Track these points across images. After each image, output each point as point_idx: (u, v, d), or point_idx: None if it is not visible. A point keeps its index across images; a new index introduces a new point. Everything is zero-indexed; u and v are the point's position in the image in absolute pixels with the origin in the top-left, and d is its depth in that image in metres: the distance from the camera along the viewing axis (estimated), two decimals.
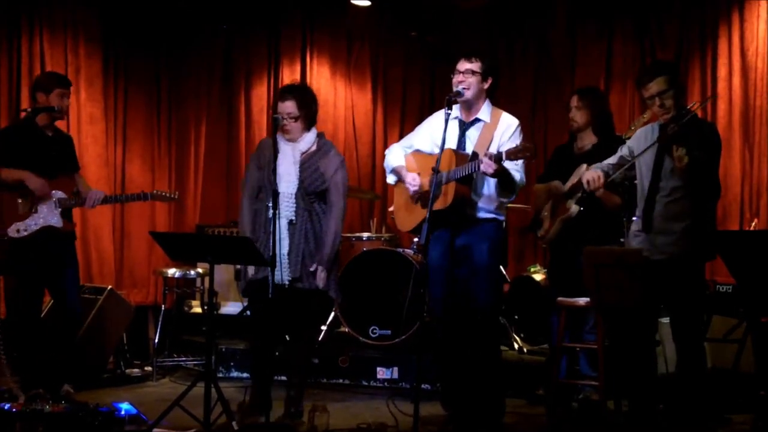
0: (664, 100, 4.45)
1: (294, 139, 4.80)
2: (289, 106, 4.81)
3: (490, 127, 4.66)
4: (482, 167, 4.36)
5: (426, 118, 5.08)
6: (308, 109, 4.86)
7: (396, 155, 4.93)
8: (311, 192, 4.81)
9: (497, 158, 4.33)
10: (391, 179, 5.01)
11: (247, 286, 4.91)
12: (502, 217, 4.79)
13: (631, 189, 4.81)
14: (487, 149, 4.54)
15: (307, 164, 4.83)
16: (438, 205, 4.56)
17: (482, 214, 4.67)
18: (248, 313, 5.38)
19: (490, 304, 4.69)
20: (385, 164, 5.01)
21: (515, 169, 4.52)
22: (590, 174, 4.65)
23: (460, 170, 4.51)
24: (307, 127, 4.87)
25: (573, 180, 5.23)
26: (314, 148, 4.90)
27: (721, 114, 6.65)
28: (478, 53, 4.68)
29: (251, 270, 4.83)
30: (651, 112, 4.94)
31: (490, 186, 4.63)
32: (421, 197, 4.70)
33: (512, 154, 4.30)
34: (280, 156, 4.74)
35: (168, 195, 5.62)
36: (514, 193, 4.65)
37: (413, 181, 4.70)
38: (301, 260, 4.75)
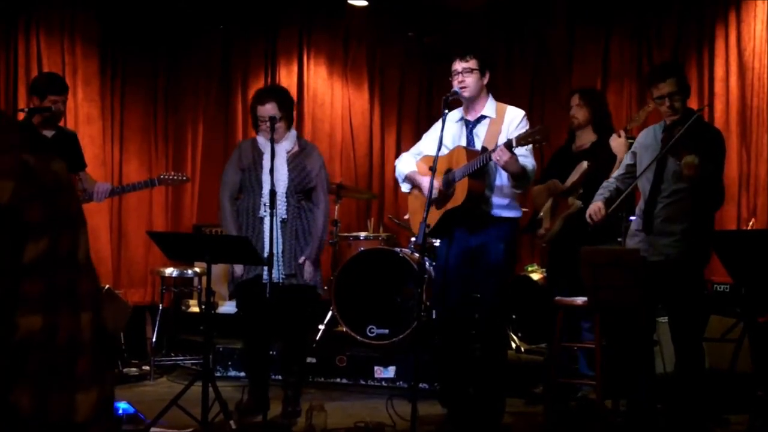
0: (674, 102, 4.43)
1: (277, 140, 4.81)
2: (269, 108, 4.84)
3: (497, 122, 4.65)
4: (495, 156, 4.33)
5: (423, 119, 5.09)
6: (288, 110, 4.92)
7: (406, 163, 4.93)
8: (300, 190, 4.89)
9: (508, 145, 4.31)
10: (405, 188, 4.99)
11: (236, 288, 4.94)
12: (518, 214, 4.77)
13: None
14: (496, 143, 4.51)
15: (294, 163, 4.90)
16: (450, 204, 4.57)
17: (497, 211, 4.65)
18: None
19: (498, 305, 4.70)
20: (397, 174, 5.00)
21: (523, 155, 4.49)
22: (591, 207, 4.63)
23: (471, 165, 4.49)
24: (288, 127, 4.91)
25: (574, 177, 5.24)
26: (297, 148, 4.97)
27: (718, 114, 6.66)
28: (472, 50, 4.67)
29: (238, 271, 4.87)
30: (653, 105, 4.95)
31: (503, 179, 4.61)
32: (439, 199, 4.69)
33: (522, 139, 4.28)
34: (266, 156, 4.80)
35: (176, 178, 5.62)
36: (528, 181, 4.63)
37: (428, 184, 4.68)
38: (294, 257, 4.82)
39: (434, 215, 4.61)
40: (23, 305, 1.12)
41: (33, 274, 1.12)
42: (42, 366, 1.12)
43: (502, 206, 4.66)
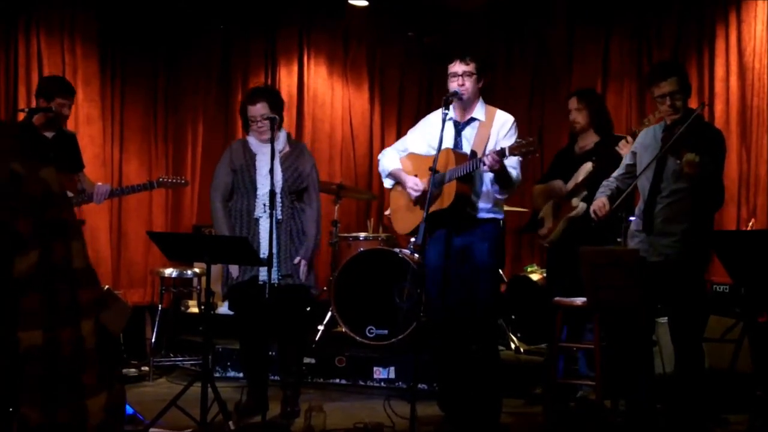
0: (675, 101, 4.42)
1: (268, 140, 4.77)
2: (260, 108, 4.84)
3: (486, 125, 4.67)
4: (487, 161, 4.34)
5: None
6: (279, 110, 4.91)
7: (391, 159, 4.93)
8: (293, 191, 4.89)
9: (500, 154, 4.33)
10: (387, 183, 5.00)
11: (230, 290, 4.93)
12: (501, 216, 4.80)
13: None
14: (485, 147, 4.56)
15: (287, 164, 4.90)
16: (438, 205, 4.56)
17: (482, 214, 4.67)
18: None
19: (490, 304, 4.70)
20: (380, 169, 5.00)
21: (512, 166, 4.52)
22: (595, 203, 4.63)
23: (460, 169, 4.50)
24: (279, 127, 4.89)
25: (578, 178, 5.24)
26: (288, 148, 4.96)
27: (718, 114, 6.65)
28: (472, 54, 4.67)
29: (234, 272, 4.86)
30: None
31: (487, 184, 4.64)
32: (423, 199, 4.67)
33: (515, 149, 4.30)
34: (259, 157, 4.80)
35: (174, 181, 5.65)
36: (512, 189, 4.66)
37: (415, 185, 4.70)
38: (290, 257, 4.83)
39: (419, 215, 4.59)
40: (23, 320, 1.11)
41: (29, 288, 1.11)
42: (48, 379, 1.12)
43: (486, 210, 4.69)
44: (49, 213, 1.17)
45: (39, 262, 1.14)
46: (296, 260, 4.84)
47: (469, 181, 4.59)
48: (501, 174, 4.46)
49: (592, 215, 4.62)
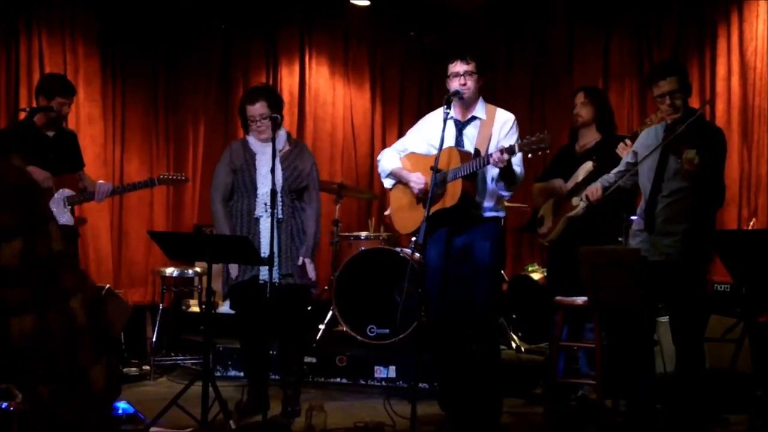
0: (675, 100, 4.43)
1: (267, 140, 4.79)
2: (260, 107, 4.84)
3: (487, 124, 4.67)
4: (495, 158, 4.34)
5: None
6: (279, 109, 4.90)
7: (390, 159, 4.92)
8: (293, 190, 4.89)
9: (509, 151, 4.33)
10: (388, 183, 4.99)
11: (231, 289, 4.93)
12: (502, 214, 4.80)
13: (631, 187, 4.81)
14: (487, 146, 4.56)
15: (287, 163, 4.90)
16: (441, 204, 4.56)
17: (486, 213, 4.67)
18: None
19: (491, 303, 4.69)
20: (380, 169, 5.00)
21: (516, 163, 4.53)
22: (589, 188, 4.71)
23: (466, 167, 4.49)
24: (278, 126, 4.89)
25: (578, 177, 5.24)
26: (288, 147, 4.95)
27: (719, 114, 6.66)
28: (473, 53, 4.67)
29: (234, 272, 4.86)
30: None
31: (491, 183, 4.64)
32: (426, 197, 4.66)
33: (526, 146, 4.30)
34: (259, 157, 4.80)
35: (175, 177, 5.68)
36: (516, 186, 4.68)
37: (418, 180, 4.69)
38: (291, 257, 4.82)
39: (423, 214, 4.58)
40: (14, 309, 1.12)
41: (16, 278, 1.12)
42: (50, 363, 1.13)
43: (489, 208, 4.69)
44: (27, 201, 1.18)
45: (23, 250, 1.15)
46: (300, 261, 4.84)
47: (473, 180, 4.59)
48: (507, 171, 4.46)
49: (585, 200, 4.67)
